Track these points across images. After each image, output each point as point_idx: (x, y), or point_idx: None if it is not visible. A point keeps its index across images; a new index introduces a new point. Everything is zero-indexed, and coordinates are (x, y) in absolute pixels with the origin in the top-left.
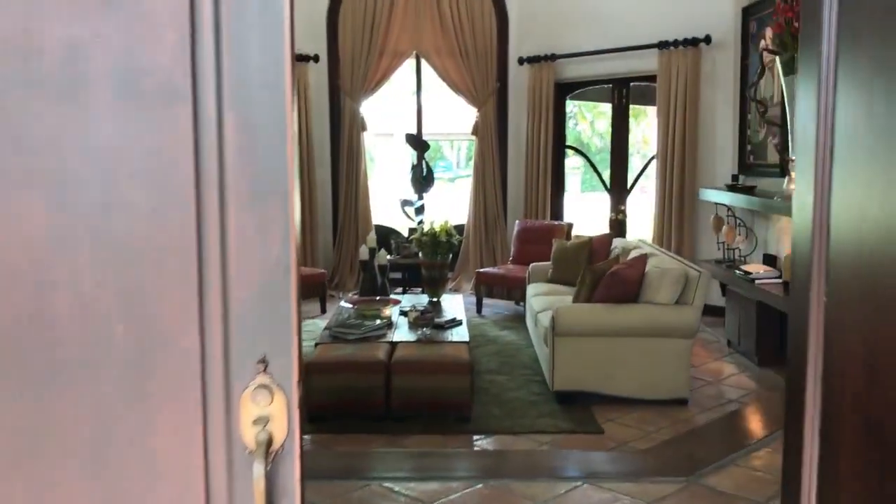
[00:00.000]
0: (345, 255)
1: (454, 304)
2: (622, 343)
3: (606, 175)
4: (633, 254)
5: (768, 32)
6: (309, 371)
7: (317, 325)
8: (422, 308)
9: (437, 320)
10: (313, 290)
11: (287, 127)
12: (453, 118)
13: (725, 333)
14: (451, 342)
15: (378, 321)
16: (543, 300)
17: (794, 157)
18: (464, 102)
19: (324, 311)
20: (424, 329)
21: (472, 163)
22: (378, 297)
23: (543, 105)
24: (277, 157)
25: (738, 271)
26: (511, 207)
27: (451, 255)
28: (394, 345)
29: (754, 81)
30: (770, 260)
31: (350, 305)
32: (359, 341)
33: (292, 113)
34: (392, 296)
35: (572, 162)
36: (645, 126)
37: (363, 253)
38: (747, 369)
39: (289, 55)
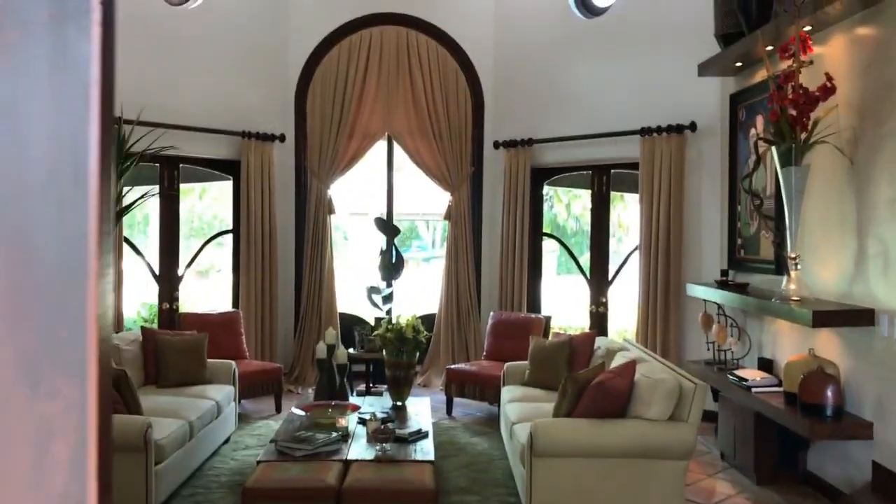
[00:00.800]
0: (307, 345)
1: (421, 409)
2: (608, 465)
3: (583, 260)
4: (618, 357)
5: (759, 120)
6: (245, 499)
7: (269, 428)
8: (384, 415)
9: (399, 432)
10: (268, 387)
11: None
12: (429, 197)
13: (718, 444)
14: (415, 462)
15: (332, 434)
16: (520, 408)
17: (794, 255)
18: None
19: (279, 409)
20: (384, 444)
21: (446, 243)
22: (334, 402)
23: (520, 191)
24: None
25: (731, 376)
26: (485, 297)
27: (417, 354)
28: (348, 464)
29: (748, 172)
30: (766, 364)
31: (302, 412)
32: (308, 459)
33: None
34: (352, 398)
35: (548, 245)
36: (621, 210)
37: (320, 350)
38: (744, 489)
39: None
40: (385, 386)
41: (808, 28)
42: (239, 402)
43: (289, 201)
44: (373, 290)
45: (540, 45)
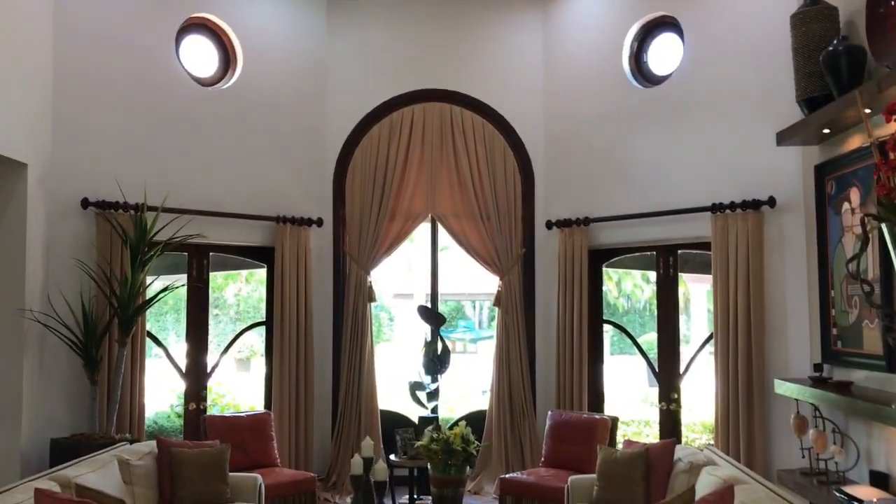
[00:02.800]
0: (345, 448)
1: None
2: None
3: (643, 339)
4: (704, 475)
5: (854, 193)
6: None
7: None
8: None
9: None
10: (301, 500)
11: None
12: (476, 276)
13: None
14: None
15: None
16: None
17: None
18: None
19: None
20: None
21: (494, 324)
22: None
23: (576, 274)
24: None
25: (839, 494)
26: (541, 393)
27: (468, 468)
28: None
29: (854, 255)
30: (880, 479)
31: None
32: None
33: None
34: None
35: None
36: (683, 293)
37: (356, 466)
38: None
39: None
40: (430, 498)
41: None
42: None
43: (326, 290)
44: (416, 385)
45: (594, 117)
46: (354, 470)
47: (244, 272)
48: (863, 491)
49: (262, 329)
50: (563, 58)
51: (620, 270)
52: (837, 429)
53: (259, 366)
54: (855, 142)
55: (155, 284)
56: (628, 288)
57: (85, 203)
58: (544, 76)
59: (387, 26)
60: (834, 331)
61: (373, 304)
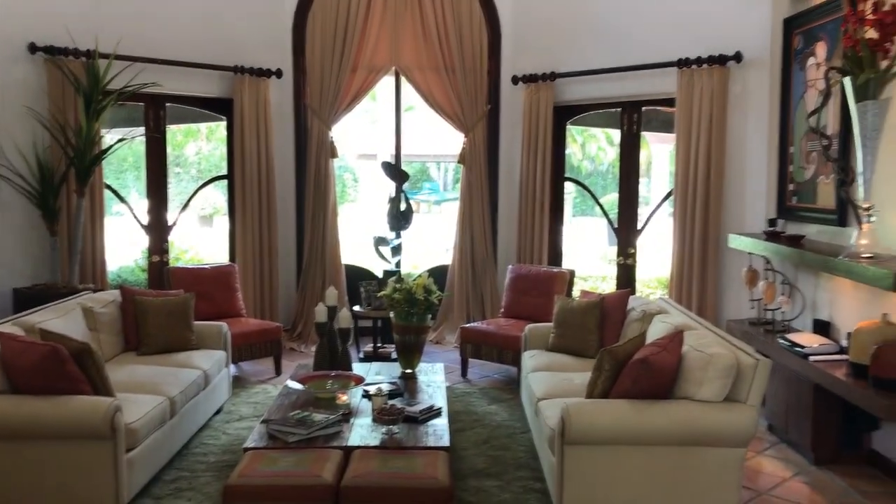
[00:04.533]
0: (310, 299)
1: (433, 378)
2: (653, 454)
3: (605, 200)
4: (657, 322)
5: (820, 48)
6: (227, 499)
7: (267, 394)
8: (391, 387)
9: (409, 410)
10: (267, 348)
11: None
12: (441, 137)
13: (766, 414)
14: (427, 449)
15: (332, 415)
16: (545, 380)
17: (867, 205)
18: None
19: (279, 371)
20: (392, 427)
21: (458, 186)
22: (335, 373)
23: (541, 130)
24: None
25: (783, 340)
26: (502, 248)
27: (429, 316)
28: (349, 452)
29: (816, 108)
30: (822, 327)
31: (298, 385)
32: (303, 446)
33: None
34: (357, 364)
35: (566, 187)
36: (645, 155)
37: (320, 314)
38: (800, 470)
39: None
40: (394, 346)
41: None
42: (236, 364)
43: (288, 144)
44: (380, 241)
45: None
46: (319, 317)
47: (204, 128)
48: (805, 338)
49: (226, 185)
50: None
51: (585, 132)
52: (787, 280)
53: (223, 223)
54: None
55: (111, 137)
56: (592, 150)
57: (32, 48)
58: None
59: None
60: (790, 187)
61: (337, 164)
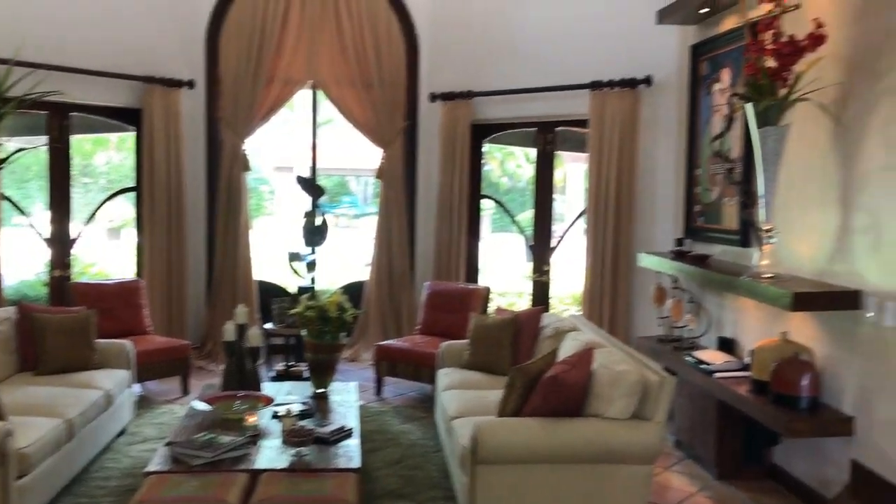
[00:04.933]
0: (220, 317)
1: (346, 397)
2: (563, 472)
3: (523, 216)
4: (568, 339)
5: (726, 74)
6: None
7: (173, 414)
8: (302, 407)
9: (319, 431)
10: (174, 367)
11: None
12: (361, 150)
13: (674, 430)
14: (337, 471)
15: (239, 437)
16: (459, 398)
17: (768, 227)
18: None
19: (186, 391)
20: (301, 448)
21: (378, 201)
22: (244, 393)
23: (458, 148)
24: None
25: (689, 357)
26: (420, 265)
27: (343, 334)
28: (256, 475)
29: (719, 133)
30: (726, 345)
31: (205, 406)
32: (208, 469)
33: None
34: (267, 383)
35: (484, 203)
36: (562, 172)
37: (228, 332)
38: (705, 485)
39: None
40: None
41: None
42: (140, 383)
43: (199, 156)
44: (294, 256)
45: None
46: (227, 336)
47: (114, 138)
48: (711, 355)
49: (135, 197)
50: None
51: (504, 149)
52: (693, 299)
53: (132, 236)
54: (730, 22)
55: (13, 145)
56: (511, 167)
57: None
58: None
59: None
60: (697, 207)
61: (253, 176)
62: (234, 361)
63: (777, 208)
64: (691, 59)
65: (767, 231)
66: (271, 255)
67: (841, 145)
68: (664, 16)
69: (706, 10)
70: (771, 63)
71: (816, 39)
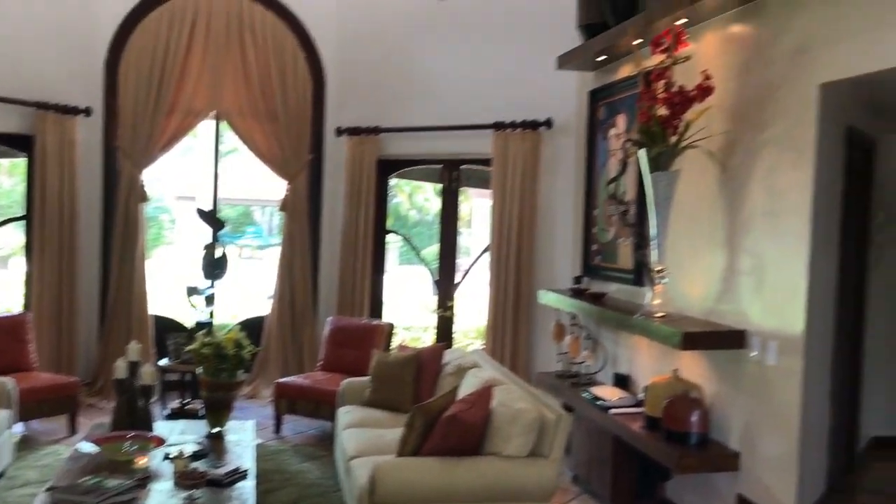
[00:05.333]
0: (112, 352)
1: (242, 437)
2: None
3: (427, 252)
4: (469, 377)
5: (621, 120)
6: None
7: (58, 456)
8: (196, 447)
9: (213, 473)
10: (61, 404)
11: None
12: (266, 181)
13: (571, 465)
14: None
15: (127, 480)
16: (359, 437)
17: (660, 268)
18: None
19: (74, 430)
20: (194, 491)
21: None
22: (134, 434)
23: (364, 183)
24: None
25: (586, 394)
26: (323, 299)
27: (241, 371)
28: None
29: (614, 177)
30: (622, 381)
31: (92, 447)
32: None
33: None
34: (160, 422)
35: (390, 236)
36: (469, 207)
37: (119, 370)
38: None
39: None
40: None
41: (682, 21)
42: (24, 423)
43: (95, 186)
44: (192, 290)
45: (390, 25)
46: (118, 374)
47: (7, 163)
48: (607, 391)
49: (24, 225)
50: None
51: (413, 182)
52: (591, 335)
53: (20, 266)
54: (626, 70)
55: None
56: (420, 200)
57: None
58: None
59: None
60: (594, 247)
61: (154, 205)
62: (124, 400)
63: (668, 250)
64: (589, 104)
65: (659, 272)
66: (170, 287)
67: (727, 191)
68: (564, 62)
69: (603, 57)
70: (663, 111)
71: (705, 90)
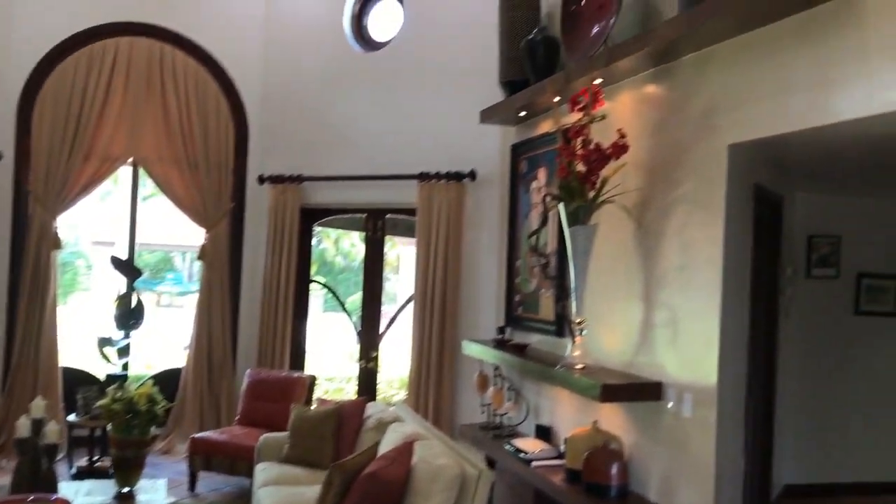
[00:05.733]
0: (17, 408)
1: (154, 497)
2: None
3: (354, 299)
4: (391, 432)
5: (542, 173)
6: None
7: None
8: None
9: None
10: None
11: None
12: (186, 225)
13: None
14: None
15: None
16: (276, 495)
17: (580, 320)
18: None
19: None
20: None
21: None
22: (35, 497)
23: (287, 232)
24: None
25: (509, 446)
26: (242, 350)
27: (153, 428)
28: None
29: (535, 230)
30: (544, 432)
31: None
32: None
33: None
34: (66, 483)
35: (314, 284)
36: (392, 252)
37: (22, 428)
38: None
39: None
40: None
41: (598, 81)
42: None
43: (3, 231)
44: (105, 341)
45: (314, 74)
46: (20, 432)
47: None
48: (529, 443)
49: None
50: (286, 14)
51: (336, 231)
52: (513, 386)
53: None
54: (545, 126)
55: None
56: (346, 246)
57: None
58: (265, 29)
59: None
60: (517, 297)
61: (70, 250)
62: (26, 460)
63: (588, 302)
64: (511, 158)
65: (579, 324)
66: (83, 336)
67: (643, 245)
68: (486, 116)
69: (524, 113)
70: (581, 167)
71: (620, 148)
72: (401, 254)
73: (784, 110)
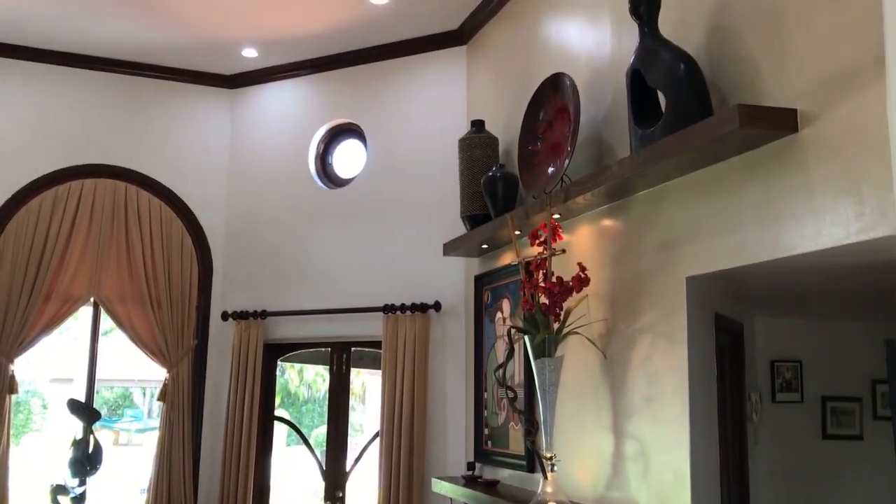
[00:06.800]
0: None
1: None
2: None
3: (318, 431)
4: None
5: (506, 304)
6: None
7: None
8: None
9: None
10: None
11: None
12: (146, 361)
13: None
14: None
15: None
16: None
17: (550, 455)
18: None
19: None
20: None
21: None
22: None
23: (250, 367)
24: None
25: None
26: (204, 491)
27: None
28: None
29: (502, 363)
30: None
31: None
32: None
33: None
34: None
35: (279, 412)
36: (362, 383)
37: None
38: None
39: None
40: None
41: (557, 216)
42: None
43: None
44: (59, 489)
45: (278, 212)
46: None
47: None
48: None
49: None
50: (250, 152)
51: (297, 365)
52: None
53: None
54: (507, 258)
55: None
56: (310, 377)
57: None
58: (229, 168)
59: (57, 94)
60: (486, 431)
61: (24, 388)
62: None
63: (558, 434)
64: (475, 289)
65: (549, 458)
66: (36, 482)
67: (610, 376)
68: (449, 249)
69: (486, 245)
70: (544, 299)
71: (581, 280)
72: (366, 381)
73: (738, 244)
